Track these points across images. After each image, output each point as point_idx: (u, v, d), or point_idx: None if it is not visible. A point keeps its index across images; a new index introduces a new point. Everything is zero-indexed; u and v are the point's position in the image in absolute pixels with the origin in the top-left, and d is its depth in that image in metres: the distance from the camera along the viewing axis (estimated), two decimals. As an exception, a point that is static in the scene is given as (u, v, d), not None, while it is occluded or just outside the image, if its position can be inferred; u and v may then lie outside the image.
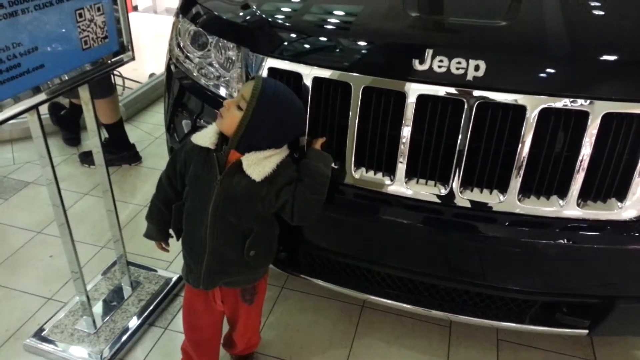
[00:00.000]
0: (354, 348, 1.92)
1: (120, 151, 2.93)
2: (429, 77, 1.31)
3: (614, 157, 1.30)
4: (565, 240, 1.35)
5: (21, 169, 2.89)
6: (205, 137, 1.39)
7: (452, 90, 1.30)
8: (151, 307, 1.98)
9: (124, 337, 1.87)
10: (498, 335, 2.00)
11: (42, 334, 1.86)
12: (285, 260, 1.75)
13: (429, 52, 1.30)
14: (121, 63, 1.75)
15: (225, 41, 1.60)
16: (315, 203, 1.39)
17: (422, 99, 1.33)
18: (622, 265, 1.39)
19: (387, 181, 1.43)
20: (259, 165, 1.34)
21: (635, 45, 1.32)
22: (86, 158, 2.93)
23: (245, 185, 1.35)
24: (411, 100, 1.33)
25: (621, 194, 1.34)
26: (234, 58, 1.60)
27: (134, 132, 3.33)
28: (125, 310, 1.97)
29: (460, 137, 1.33)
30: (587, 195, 1.35)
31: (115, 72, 2.89)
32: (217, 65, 1.66)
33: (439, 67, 1.29)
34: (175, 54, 1.81)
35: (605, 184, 1.34)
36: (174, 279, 2.13)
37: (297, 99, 1.38)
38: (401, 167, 1.40)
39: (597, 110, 1.26)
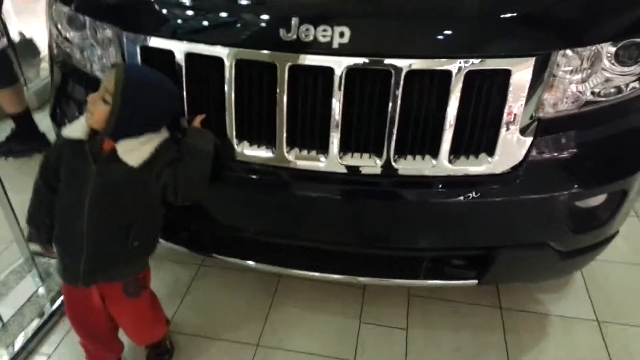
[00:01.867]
0: (270, 317, 1.96)
1: (29, 141, 2.83)
2: (298, 47, 1.31)
3: (478, 113, 1.35)
4: (442, 196, 1.41)
5: None
6: (77, 129, 1.35)
7: (321, 57, 1.31)
8: (61, 298, 1.95)
9: (33, 330, 1.84)
10: (409, 291, 2.08)
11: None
12: (196, 241, 1.75)
13: (295, 22, 1.29)
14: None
15: (99, 22, 1.54)
16: (198, 180, 1.37)
17: (293, 69, 1.33)
18: (498, 217, 1.46)
19: (268, 152, 1.44)
20: (136, 150, 1.32)
21: (489, 3, 1.36)
22: None
23: (124, 173, 1.32)
24: (281, 70, 1.33)
25: (491, 149, 1.39)
26: (110, 38, 1.55)
27: (46, 121, 3.20)
28: (34, 303, 1.94)
29: (334, 103, 1.34)
30: (458, 151, 1.39)
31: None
32: (97, 46, 1.61)
33: (305, 36, 1.29)
34: (55, 37, 1.74)
35: (474, 140, 1.39)
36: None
37: (166, 79, 1.36)
38: (280, 138, 1.41)
39: (460, 69, 1.29)
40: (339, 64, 1.30)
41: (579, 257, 1.62)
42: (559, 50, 1.34)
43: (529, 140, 1.39)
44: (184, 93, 1.44)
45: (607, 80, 1.39)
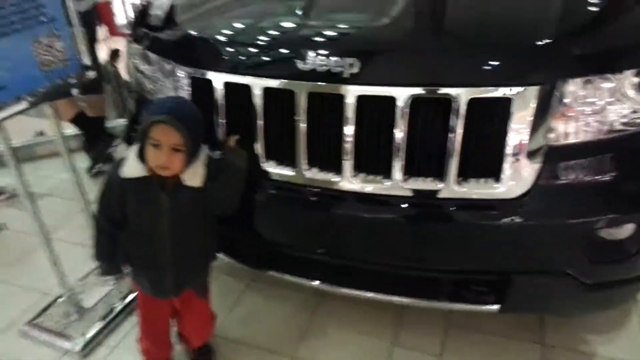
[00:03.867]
0: (308, 332, 2.06)
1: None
2: (313, 76, 1.45)
3: (482, 139, 1.39)
4: (453, 218, 1.45)
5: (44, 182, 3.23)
6: (137, 168, 1.48)
7: (335, 86, 1.44)
8: (130, 298, 2.21)
9: (103, 324, 2.10)
10: (449, 321, 2.07)
11: (34, 322, 2.14)
12: (252, 257, 1.90)
13: (310, 54, 1.44)
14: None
15: (161, 58, 1.81)
16: (234, 193, 1.57)
17: (311, 96, 1.47)
18: (508, 242, 1.46)
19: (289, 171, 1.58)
20: (197, 173, 1.50)
21: (489, 36, 1.43)
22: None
23: (192, 196, 1.52)
24: (301, 97, 1.48)
25: (497, 174, 1.41)
26: (169, 70, 1.80)
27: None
28: (106, 302, 2.22)
29: (345, 128, 1.46)
30: (466, 175, 1.43)
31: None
32: (161, 78, 1.88)
33: (320, 66, 1.43)
34: (131, 70, 2.05)
35: (480, 165, 1.42)
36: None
37: (192, 103, 1.58)
38: (302, 157, 1.54)
39: (463, 97, 1.35)
40: (352, 93, 1.43)
41: (610, 291, 1.55)
42: (563, 79, 1.35)
43: (537, 166, 1.39)
44: (223, 116, 1.63)
45: (627, 109, 1.37)
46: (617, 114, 1.39)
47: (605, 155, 1.41)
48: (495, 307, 1.59)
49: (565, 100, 1.37)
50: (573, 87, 1.37)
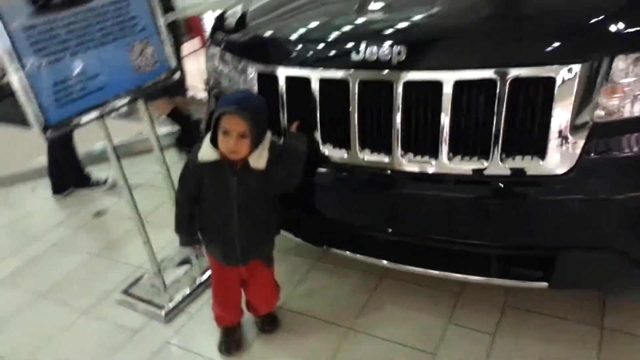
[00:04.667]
0: (366, 307, 2.19)
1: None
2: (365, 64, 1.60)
3: (527, 118, 1.46)
4: (502, 195, 1.53)
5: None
6: (210, 153, 1.70)
7: (384, 72, 1.58)
8: (207, 273, 2.47)
9: (184, 294, 2.38)
10: (506, 301, 2.12)
11: (128, 291, 2.46)
12: (311, 234, 2.07)
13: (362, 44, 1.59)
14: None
15: (235, 56, 2.04)
16: (295, 173, 1.75)
17: (362, 83, 1.62)
18: (555, 217, 1.51)
19: (344, 153, 1.73)
20: (261, 156, 1.71)
21: (529, 17, 1.50)
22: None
23: (257, 177, 1.72)
24: (353, 85, 1.63)
25: (543, 152, 1.48)
26: (242, 67, 2.02)
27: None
28: (189, 275, 2.49)
29: (394, 113, 1.59)
30: (513, 153, 1.50)
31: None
32: (236, 75, 2.10)
33: (371, 56, 1.58)
34: (210, 71, 2.30)
35: (527, 143, 1.49)
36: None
37: (258, 95, 1.80)
38: (354, 140, 1.69)
39: (505, 77, 1.44)
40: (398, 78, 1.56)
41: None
42: (610, 56, 1.39)
43: (582, 143, 1.44)
44: (285, 105, 1.82)
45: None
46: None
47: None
48: (544, 283, 1.64)
49: (613, 78, 1.40)
50: (621, 64, 1.40)
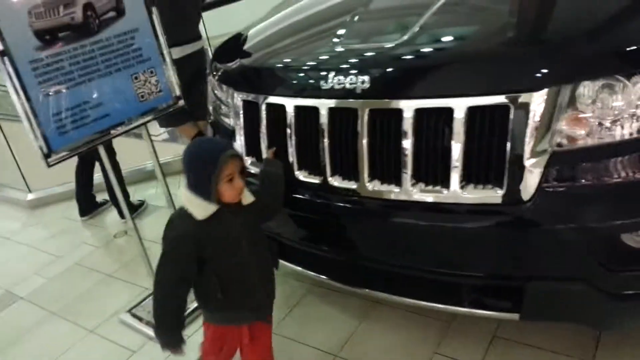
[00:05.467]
0: (355, 335, 2.20)
1: None
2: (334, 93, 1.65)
3: (483, 147, 1.46)
4: (456, 223, 1.53)
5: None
6: (206, 207, 1.54)
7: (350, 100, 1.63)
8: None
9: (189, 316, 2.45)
10: (496, 332, 2.07)
11: (131, 311, 2.56)
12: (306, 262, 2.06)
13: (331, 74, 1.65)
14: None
15: (225, 86, 2.14)
16: (277, 198, 1.78)
17: (331, 110, 1.68)
18: (517, 247, 1.49)
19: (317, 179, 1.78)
20: (245, 193, 1.64)
21: (482, 49, 1.52)
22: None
23: (253, 213, 1.66)
24: (323, 112, 1.69)
25: (501, 181, 1.47)
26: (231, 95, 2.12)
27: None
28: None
29: (360, 139, 1.63)
30: (469, 181, 1.51)
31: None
32: (229, 102, 2.21)
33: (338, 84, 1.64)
34: (211, 98, 2.42)
35: (485, 172, 1.48)
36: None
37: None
38: (327, 167, 1.74)
39: (460, 106, 1.45)
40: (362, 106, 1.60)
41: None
42: (574, 83, 1.38)
43: (540, 172, 1.42)
44: (266, 132, 1.89)
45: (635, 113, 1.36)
46: (626, 119, 1.38)
47: (612, 160, 1.38)
48: (515, 315, 1.60)
49: (576, 105, 1.39)
50: (585, 91, 1.38)
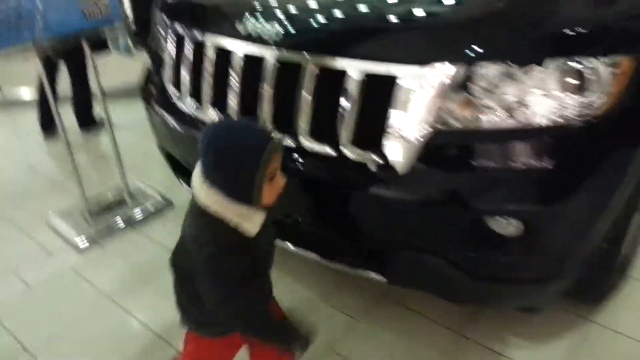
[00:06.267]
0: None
1: None
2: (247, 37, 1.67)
3: (373, 114, 1.49)
4: (340, 184, 1.59)
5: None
6: (259, 217, 1.25)
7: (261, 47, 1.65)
8: (139, 217, 2.72)
9: (108, 231, 2.61)
10: (388, 294, 2.14)
11: (62, 213, 2.75)
12: None
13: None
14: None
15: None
16: None
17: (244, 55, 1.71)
18: (386, 214, 1.54)
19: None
20: None
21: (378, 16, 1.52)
22: None
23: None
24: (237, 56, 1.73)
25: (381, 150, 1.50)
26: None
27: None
28: (118, 214, 2.72)
29: (265, 87, 1.66)
30: (359, 145, 1.53)
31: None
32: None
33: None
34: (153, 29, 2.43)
35: (371, 139, 1.50)
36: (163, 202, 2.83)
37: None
38: (232, 106, 1.78)
39: (355, 68, 1.48)
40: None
41: (496, 286, 1.57)
42: (467, 64, 1.38)
43: (417, 147, 1.44)
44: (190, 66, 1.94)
45: (524, 100, 1.37)
46: (512, 108, 1.39)
47: (487, 146, 1.41)
48: (383, 278, 1.69)
49: (459, 85, 1.40)
50: (477, 72, 1.38)
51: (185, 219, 1.30)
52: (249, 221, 1.22)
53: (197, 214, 1.23)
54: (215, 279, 1.21)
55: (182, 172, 2.27)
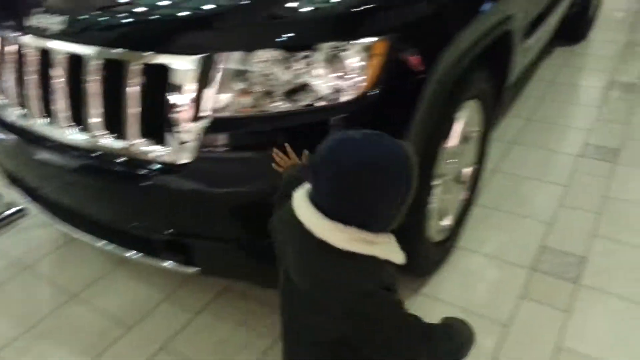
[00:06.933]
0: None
1: None
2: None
3: (149, 104, 1.49)
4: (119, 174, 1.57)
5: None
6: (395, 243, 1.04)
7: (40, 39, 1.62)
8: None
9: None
10: (229, 287, 2.14)
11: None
12: None
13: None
14: None
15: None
16: None
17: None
18: (177, 205, 1.55)
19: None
20: None
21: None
22: None
23: None
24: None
25: (162, 140, 1.50)
26: None
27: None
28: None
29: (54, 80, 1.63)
30: (139, 136, 1.53)
31: None
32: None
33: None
34: None
35: (151, 129, 1.50)
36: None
37: None
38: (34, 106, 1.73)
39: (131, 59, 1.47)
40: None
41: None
42: (220, 53, 1.41)
43: (199, 135, 1.45)
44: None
45: (280, 87, 1.41)
46: (271, 91, 1.43)
47: (262, 132, 1.45)
48: (196, 268, 1.66)
49: (223, 74, 1.42)
50: (226, 61, 1.42)
51: (299, 260, 1.01)
52: (396, 249, 0.99)
53: (335, 256, 0.93)
54: (408, 323, 0.99)
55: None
